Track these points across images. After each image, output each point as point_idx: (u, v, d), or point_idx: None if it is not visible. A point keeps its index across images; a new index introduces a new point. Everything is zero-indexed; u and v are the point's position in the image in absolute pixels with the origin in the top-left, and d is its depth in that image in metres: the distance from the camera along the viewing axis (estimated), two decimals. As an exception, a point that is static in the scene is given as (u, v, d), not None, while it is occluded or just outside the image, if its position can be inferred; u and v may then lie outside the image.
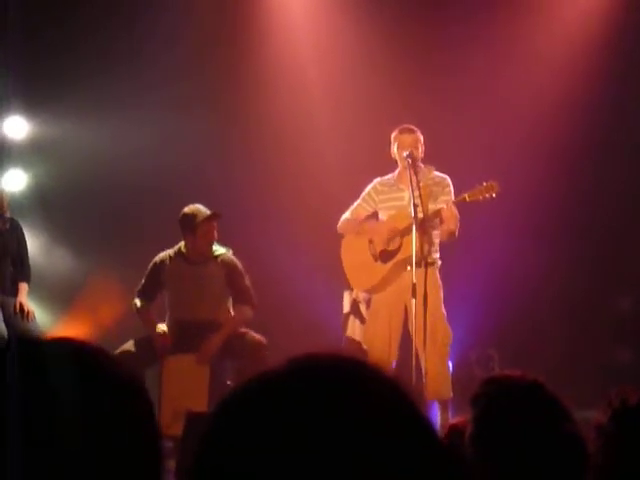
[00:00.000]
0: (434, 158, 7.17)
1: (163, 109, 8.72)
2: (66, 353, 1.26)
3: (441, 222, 6.92)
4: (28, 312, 7.67)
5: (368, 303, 7.22)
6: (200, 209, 7.14)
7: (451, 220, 6.83)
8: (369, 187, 7.24)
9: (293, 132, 8.97)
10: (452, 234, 6.91)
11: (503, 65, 8.82)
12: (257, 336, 7.11)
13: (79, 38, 8.75)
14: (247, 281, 7.28)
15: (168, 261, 7.27)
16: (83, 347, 1.29)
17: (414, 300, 6.53)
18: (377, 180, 7.24)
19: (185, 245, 7.23)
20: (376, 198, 7.20)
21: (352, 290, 7.30)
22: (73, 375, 1.23)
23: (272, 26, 9.22)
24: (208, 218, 7.10)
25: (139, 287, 7.32)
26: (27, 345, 1.26)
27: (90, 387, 1.23)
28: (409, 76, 8.77)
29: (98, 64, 8.73)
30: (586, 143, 8.79)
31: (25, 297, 7.71)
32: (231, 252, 7.33)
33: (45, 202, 9.01)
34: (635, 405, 1.93)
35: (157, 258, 7.32)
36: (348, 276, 7.26)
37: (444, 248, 7.12)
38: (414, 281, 6.52)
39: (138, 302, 7.29)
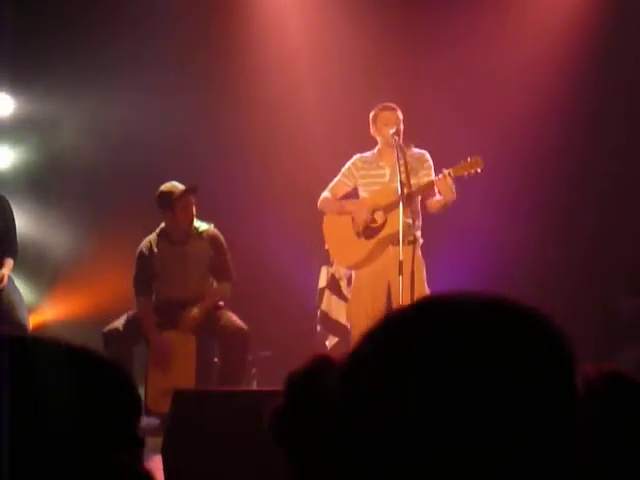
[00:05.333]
0: (421, 135, 7.18)
1: (152, 87, 8.69)
2: (55, 353, 1.29)
3: (435, 194, 6.90)
4: (2, 279, 7.53)
5: (349, 280, 7.24)
6: (176, 185, 7.17)
7: (447, 191, 6.79)
8: (349, 163, 7.25)
9: (281, 109, 8.94)
10: (446, 205, 6.90)
11: (491, 44, 8.80)
12: (238, 321, 7.14)
13: (68, 14, 8.69)
14: (229, 257, 7.32)
15: (153, 246, 7.26)
16: (70, 348, 1.32)
17: (401, 277, 6.55)
18: (357, 156, 7.25)
19: (166, 225, 7.25)
20: (356, 174, 7.21)
21: (330, 266, 7.30)
22: (62, 376, 1.26)
23: (260, 6, 9.21)
24: (184, 192, 7.12)
25: (134, 282, 7.27)
26: (16, 344, 1.29)
27: (77, 389, 1.27)
28: (396, 54, 8.76)
29: (86, 42, 8.66)
30: (576, 120, 8.78)
31: (8, 271, 7.63)
32: (213, 226, 7.36)
33: (32, 179, 9.01)
34: (600, 390, 1.85)
35: (142, 247, 7.29)
36: (331, 252, 7.26)
37: (431, 225, 7.14)
38: (401, 259, 6.54)
39: (139, 299, 7.24)
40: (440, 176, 6.79)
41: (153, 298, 7.29)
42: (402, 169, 6.68)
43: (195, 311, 7.09)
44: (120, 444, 1.29)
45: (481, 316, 1.13)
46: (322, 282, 7.35)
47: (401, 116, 7.01)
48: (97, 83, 8.73)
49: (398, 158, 6.73)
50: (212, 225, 7.34)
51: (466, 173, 6.75)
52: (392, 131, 6.87)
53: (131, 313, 7.20)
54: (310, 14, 9.12)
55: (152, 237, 7.30)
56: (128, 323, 7.08)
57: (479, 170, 6.73)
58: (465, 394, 1.07)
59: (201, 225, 7.29)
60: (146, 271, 7.25)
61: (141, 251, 7.28)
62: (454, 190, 6.82)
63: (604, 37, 8.62)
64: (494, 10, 8.80)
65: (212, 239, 7.26)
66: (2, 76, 8.52)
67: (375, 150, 7.20)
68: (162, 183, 7.26)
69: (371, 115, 7.10)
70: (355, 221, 7.12)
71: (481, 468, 1.05)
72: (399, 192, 6.63)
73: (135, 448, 1.32)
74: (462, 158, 6.79)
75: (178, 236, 7.23)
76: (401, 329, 1.13)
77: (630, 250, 8.70)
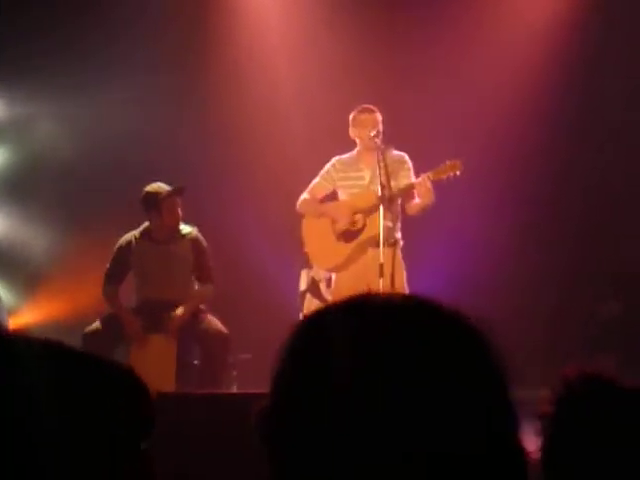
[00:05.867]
0: (402, 135, 7.18)
1: (131, 87, 8.68)
2: (42, 353, 1.28)
3: (414, 197, 6.91)
4: None
5: (328, 282, 7.24)
6: (162, 186, 7.14)
7: (427, 194, 6.82)
8: (328, 165, 7.25)
9: (263, 107, 8.96)
10: (425, 208, 6.92)
11: (470, 45, 8.83)
12: (219, 325, 7.13)
13: (51, 16, 8.67)
14: (210, 260, 7.32)
15: (134, 242, 7.24)
16: (59, 347, 1.31)
17: (381, 280, 6.56)
18: (336, 158, 7.25)
19: (151, 224, 7.23)
20: (335, 176, 7.21)
21: (310, 269, 7.30)
22: (49, 375, 1.26)
23: (241, 5, 9.23)
24: (172, 193, 7.10)
25: (106, 271, 7.27)
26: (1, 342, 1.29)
27: (65, 391, 1.26)
28: (375, 52, 8.78)
29: (70, 45, 8.64)
30: (558, 120, 8.80)
31: None
32: (197, 230, 7.35)
33: (15, 180, 9.00)
34: (580, 391, 1.85)
35: (122, 240, 7.28)
36: (310, 255, 7.27)
37: (412, 227, 7.15)
38: (381, 261, 6.56)
39: (106, 287, 7.26)
40: (419, 179, 6.81)
41: (134, 298, 7.26)
42: (384, 171, 6.69)
43: (180, 312, 7.06)
44: (119, 448, 1.28)
45: (429, 323, 1.15)
46: (302, 285, 7.35)
47: (380, 117, 7.02)
48: (77, 84, 8.71)
49: (379, 161, 6.74)
50: (196, 229, 7.32)
51: (445, 176, 6.77)
52: (372, 133, 6.88)
53: (106, 314, 7.15)
54: (290, 13, 9.14)
55: (135, 233, 7.27)
56: (106, 324, 7.04)
57: (458, 173, 6.75)
58: (427, 398, 1.08)
59: (185, 227, 7.27)
60: (120, 265, 7.24)
61: (120, 245, 7.27)
62: (433, 193, 6.84)
63: (587, 33, 8.66)
64: (474, 8, 8.83)
65: (193, 242, 7.24)
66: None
67: (354, 152, 7.21)
68: (142, 183, 7.23)
69: (350, 117, 7.11)
70: (335, 224, 7.13)
71: (441, 472, 1.07)
72: (379, 195, 6.65)
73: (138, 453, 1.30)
74: (443, 160, 6.81)
75: (163, 236, 7.20)
76: (369, 330, 1.15)
77: (614, 251, 8.73)
